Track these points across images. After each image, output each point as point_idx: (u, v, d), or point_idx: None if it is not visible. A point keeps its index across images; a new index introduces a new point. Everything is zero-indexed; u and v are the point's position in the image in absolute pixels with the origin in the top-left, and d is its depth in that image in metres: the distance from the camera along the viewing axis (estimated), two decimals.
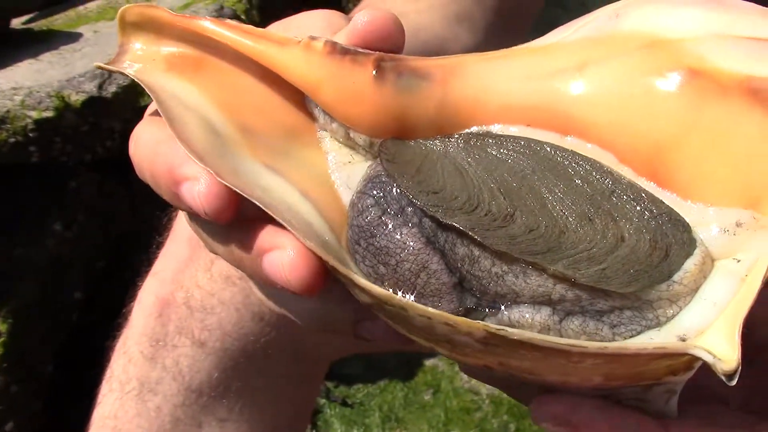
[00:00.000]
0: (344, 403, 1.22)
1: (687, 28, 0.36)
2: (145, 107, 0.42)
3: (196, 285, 0.62)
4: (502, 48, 0.39)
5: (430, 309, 0.30)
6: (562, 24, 0.39)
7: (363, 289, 0.32)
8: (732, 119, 0.34)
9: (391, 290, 0.34)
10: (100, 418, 0.61)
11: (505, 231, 0.34)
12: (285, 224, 0.33)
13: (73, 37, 1.14)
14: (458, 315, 0.34)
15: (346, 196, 0.39)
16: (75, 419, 0.65)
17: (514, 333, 0.29)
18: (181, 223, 0.62)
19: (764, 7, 0.37)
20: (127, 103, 1.04)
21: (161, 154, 0.37)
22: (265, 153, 0.39)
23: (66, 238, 1.08)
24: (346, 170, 0.40)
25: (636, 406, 0.34)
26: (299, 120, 0.41)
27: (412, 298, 0.35)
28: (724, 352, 0.29)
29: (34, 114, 0.99)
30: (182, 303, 0.61)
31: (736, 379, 0.28)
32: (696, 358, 0.29)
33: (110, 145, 1.02)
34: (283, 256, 0.34)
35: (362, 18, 0.39)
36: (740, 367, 0.28)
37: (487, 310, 0.34)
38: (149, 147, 0.38)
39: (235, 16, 1.08)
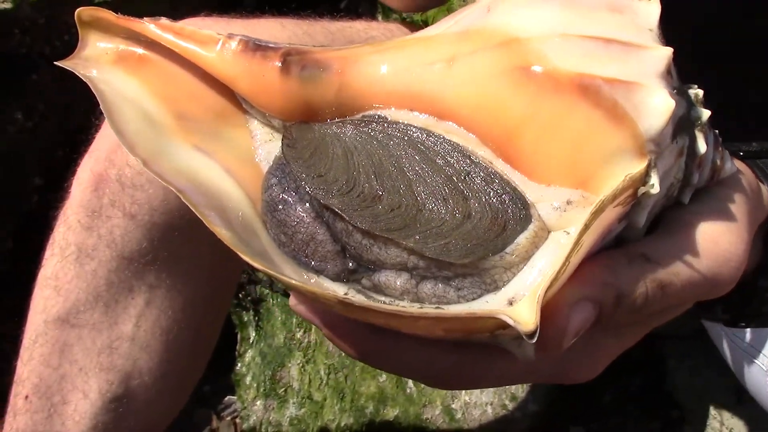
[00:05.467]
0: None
1: (536, 28, 0.41)
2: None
3: (126, 164, 0.70)
4: None
5: (293, 282, 0.38)
6: None
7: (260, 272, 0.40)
8: (563, 112, 0.39)
9: (280, 274, 0.40)
10: (44, 279, 0.70)
11: (371, 211, 0.40)
12: (196, 212, 0.41)
13: None
14: (342, 276, 0.42)
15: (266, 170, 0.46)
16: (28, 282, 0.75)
17: (355, 300, 0.37)
18: None
19: (612, 1, 0.42)
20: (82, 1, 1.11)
21: None
22: (196, 136, 0.46)
23: (26, 127, 1.16)
24: (267, 147, 0.47)
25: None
26: (229, 104, 0.48)
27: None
28: (524, 317, 0.35)
29: None
30: (115, 179, 0.69)
31: (536, 338, 0.35)
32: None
33: (68, 40, 1.08)
34: None
35: None
36: (538, 328, 0.35)
37: (364, 272, 0.42)
38: None
39: None
